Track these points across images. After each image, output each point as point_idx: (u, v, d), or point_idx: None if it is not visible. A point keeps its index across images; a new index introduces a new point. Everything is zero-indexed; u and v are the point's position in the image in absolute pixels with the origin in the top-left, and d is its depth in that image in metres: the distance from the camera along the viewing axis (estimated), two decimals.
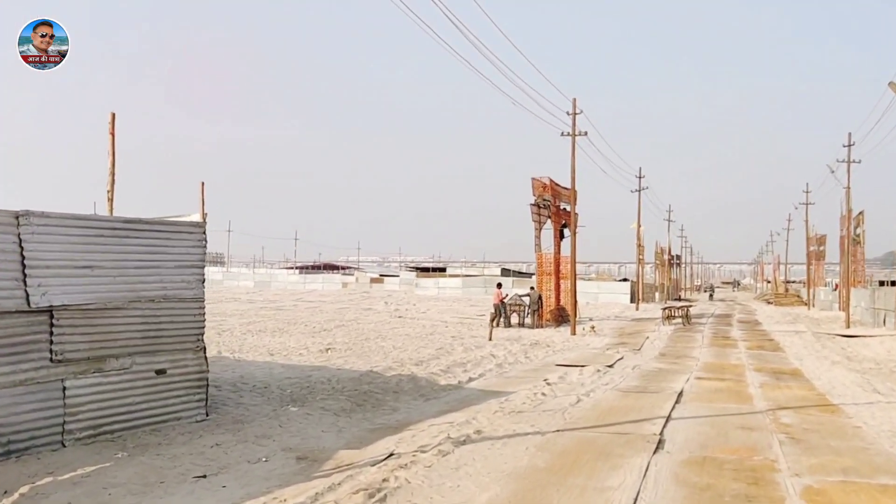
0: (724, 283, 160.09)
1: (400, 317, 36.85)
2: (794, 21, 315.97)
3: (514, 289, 43.51)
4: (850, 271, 37.36)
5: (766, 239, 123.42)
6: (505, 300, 35.84)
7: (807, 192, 56.38)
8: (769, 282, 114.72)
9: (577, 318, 39.52)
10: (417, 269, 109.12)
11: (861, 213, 47.30)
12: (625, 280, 71.78)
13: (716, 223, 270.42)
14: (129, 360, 10.06)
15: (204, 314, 11.24)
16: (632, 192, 51.46)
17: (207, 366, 11.24)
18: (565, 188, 39.40)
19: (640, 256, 67.30)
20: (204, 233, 11.20)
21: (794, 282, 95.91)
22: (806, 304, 65.30)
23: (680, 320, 35.54)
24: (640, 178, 51.23)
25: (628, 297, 58.56)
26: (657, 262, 76.47)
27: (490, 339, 24.61)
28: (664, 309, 35.84)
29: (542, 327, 33.74)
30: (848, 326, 35.78)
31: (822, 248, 66.54)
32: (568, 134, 30.29)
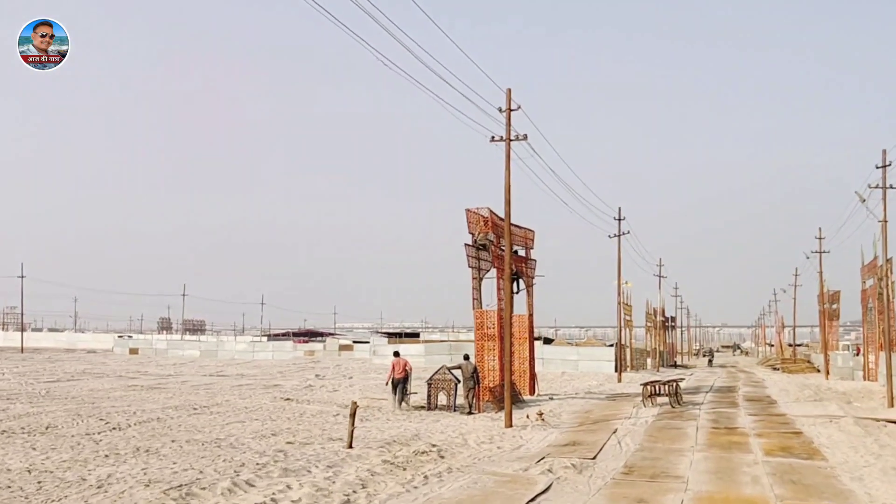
0: (723, 346, 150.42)
1: (288, 399, 27.67)
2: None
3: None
4: (888, 330, 28.52)
5: (768, 299, 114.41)
6: (409, 373, 26.86)
7: (820, 238, 47.77)
8: (771, 345, 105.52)
9: (534, 395, 30.50)
10: (389, 335, 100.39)
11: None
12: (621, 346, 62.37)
13: (713, 283, 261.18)
14: None
15: None
16: (610, 237, 42.72)
17: None
18: (518, 226, 30.66)
19: (627, 317, 58.19)
20: None
21: (800, 345, 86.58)
22: (819, 372, 56.06)
23: (667, 399, 26.37)
24: (619, 220, 42.55)
25: (613, 364, 49.20)
26: (648, 323, 67.30)
27: (350, 447, 15.41)
28: (645, 385, 26.77)
29: (480, 410, 24.76)
30: (892, 405, 26.67)
31: (835, 306, 57.50)
32: (501, 138, 21.55)
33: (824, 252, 47.86)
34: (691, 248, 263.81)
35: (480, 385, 25.61)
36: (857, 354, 47.00)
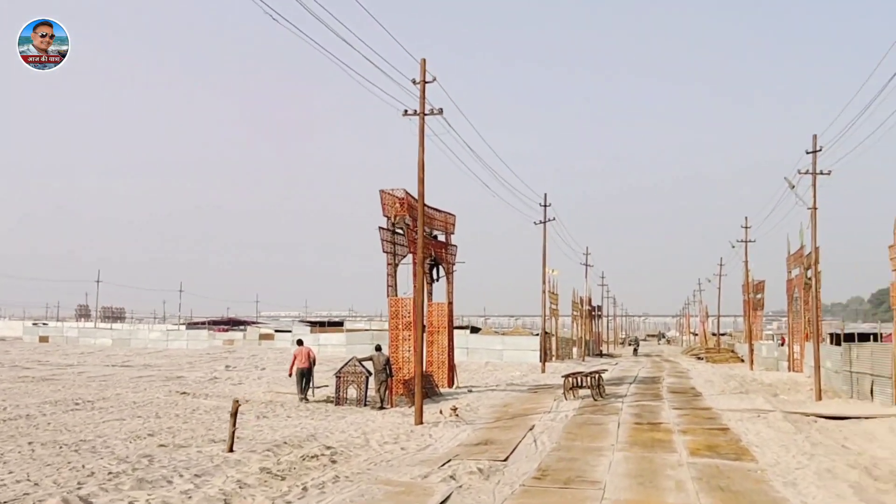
0: (649, 335, 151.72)
1: (185, 393, 25.57)
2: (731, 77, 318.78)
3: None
4: (816, 321, 27.78)
5: (693, 288, 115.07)
6: (314, 363, 25.20)
7: (746, 227, 47.30)
8: (695, 334, 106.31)
9: (452, 388, 28.99)
10: (313, 323, 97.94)
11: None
12: (547, 335, 61.05)
13: (639, 273, 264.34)
14: None
15: None
16: (535, 223, 41.38)
17: None
18: (437, 210, 29.06)
19: (553, 306, 57.23)
20: None
21: (723, 335, 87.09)
22: (744, 362, 56.01)
23: (589, 392, 25.09)
24: (545, 206, 41.24)
25: (538, 354, 47.96)
26: (575, 312, 66.52)
27: (231, 450, 13.55)
28: (567, 377, 25.46)
29: (392, 405, 23.12)
30: (820, 398, 25.91)
31: (759, 295, 57.50)
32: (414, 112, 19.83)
33: (750, 241, 47.53)
34: (618, 236, 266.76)
35: (394, 378, 23.94)
36: (783, 345, 46.79)
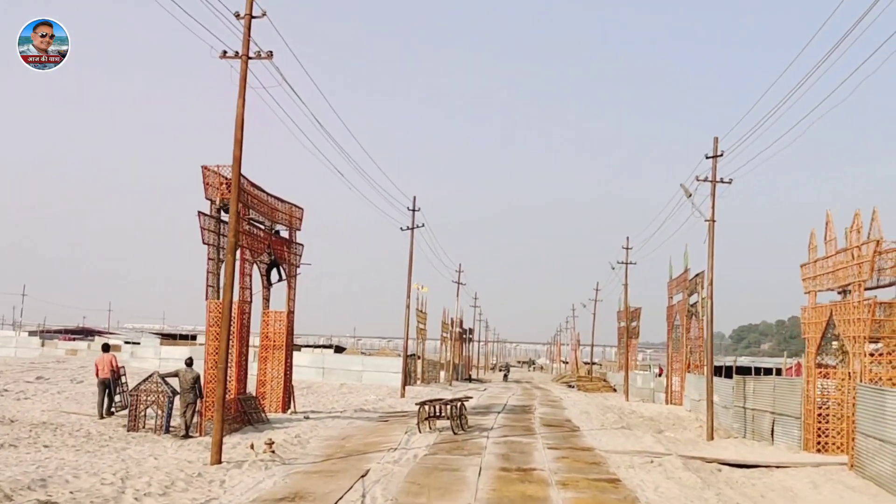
0: (519, 361, 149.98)
1: None
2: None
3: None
4: (710, 349, 24.34)
5: (566, 315, 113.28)
6: (119, 374, 20.30)
7: (627, 248, 44.42)
8: (566, 362, 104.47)
9: (287, 413, 24.20)
10: (164, 336, 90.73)
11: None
12: (413, 357, 56.45)
13: (512, 298, 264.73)
14: None
15: None
16: (402, 229, 36.94)
17: None
18: (279, 199, 24.39)
19: (421, 325, 53.07)
20: None
21: (595, 363, 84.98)
22: (616, 391, 53.23)
23: (448, 422, 20.74)
24: (413, 210, 36.90)
25: (400, 377, 43.32)
26: (444, 333, 62.48)
27: None
28: (422, 405, 21.02)
29: (201, 433, 18.25)
30: (711, 437, 22.48)
31: (634, 323, 55.06)
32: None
33: (631, 263, 44.65)
34: (491, 262, 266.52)
35: (204, 399, 19.00)
36: (660, 375, 44.02)
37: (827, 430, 18.56)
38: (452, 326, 66.19)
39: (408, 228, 36.82)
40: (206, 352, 20.64)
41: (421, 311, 52.43)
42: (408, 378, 47.31)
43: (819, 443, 18.57)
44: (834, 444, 18.43)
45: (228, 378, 20.86)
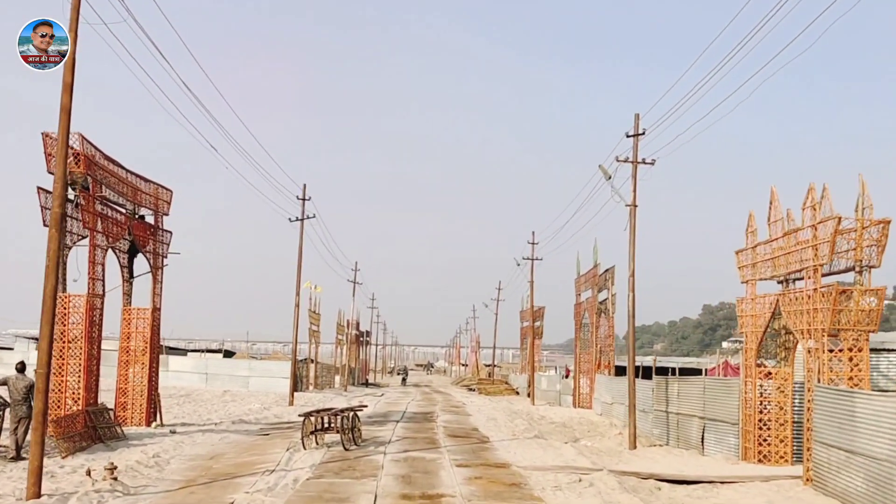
0: (417, 365, 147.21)
1: None
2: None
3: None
4: (631, 347, 21.94)
5: (466, 317, 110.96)
6: None
7: (533, 243, 42.13)
8: (465, 365, 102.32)
9: (152, 426, 20.73)
10: (37, 339, 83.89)
11: (613, 267, 33.36)
12: (305, 361, 52.80)
13: (409, 301, 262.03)
14: None
15: None
16: (291, 220, 33.55)
17: None
18: (142, 177, 20.97)
19: (314, 327, 49.66)
20: None
21: (494, 366, 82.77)
22: (519, 394, 51.08)
23: (338, 436, 17.65)
24: (303, 199, 33.45)
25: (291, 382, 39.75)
26: (340, 337, 59.13)
27: None
28: (307, 416, 17.82)
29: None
30: (634, 445, 20.15)
31: (538, 323, 53.03)
32: None
33: (537, 259, 42.44)
34: (388, 263, 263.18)
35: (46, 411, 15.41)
36: (567, 376, 41.99)
37: (768, 437, 16.43)
38: (349, 328, 62.95)
39: (297, 219, 33.48)
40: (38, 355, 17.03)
41: (314, 312, 49.03)
42: (299, 384, 44.01)
43: (760, 452, 16.41)
44: (777, 453, 16.32)
45: (78, 386, 17.43)
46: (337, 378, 57.02)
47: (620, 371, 32.77)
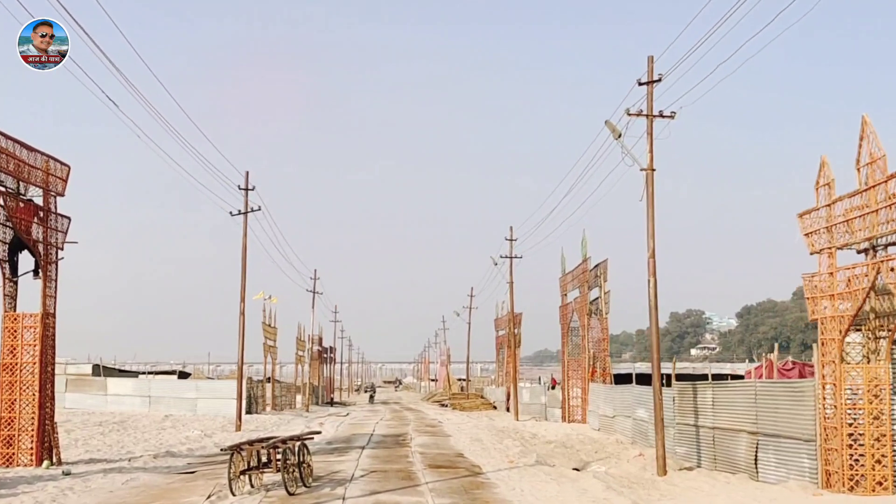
0: (385, 382, 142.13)
1: None
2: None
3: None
4: (656, 346, 17.77)
5: (434, 329, 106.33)
6: None
7: (511, 239, 37.65)
8: (434, 380, 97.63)
9: (42, 466, 16.00)
10: None
11: (605, 261, 29.21)
12: (269, 381, 47.64)
13: (375, 318, 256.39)
14: None
15: None
16: (233, 214, 28.77)
17: None
18: (26, 146, 16.37)
19: (271, 342, 44.90)
20: None
21: (467, 380, 78.06)
22: (496, 409, 46.72)
23: (279, 476, 13.00)
24: (246, 189, 28.63)
25: (244, 403, 34.81)
26: (300, 352, 54.33)
27: None
28: (238, 449, 13.21)
29: None
30: (664, 472, 15.83)
31: (517, 330, 48.71)
32: None
33: (516, 257, 38.17)
34: (353, 278, 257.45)
35: None
36: (553, 387, 37.67)
37: (860, 457, 12.22)
38: (310, 343, 58.17)
39: (239, 213, 28.74)
40: None
41: (269, 325, 44.29)
42: (253, 405, 39.29)
43: (852, 478, 12.19)
44: (873, 477, 12.11)
45: None
46: (298, 398, 52.25)
47: (618, 380, 28.62)
